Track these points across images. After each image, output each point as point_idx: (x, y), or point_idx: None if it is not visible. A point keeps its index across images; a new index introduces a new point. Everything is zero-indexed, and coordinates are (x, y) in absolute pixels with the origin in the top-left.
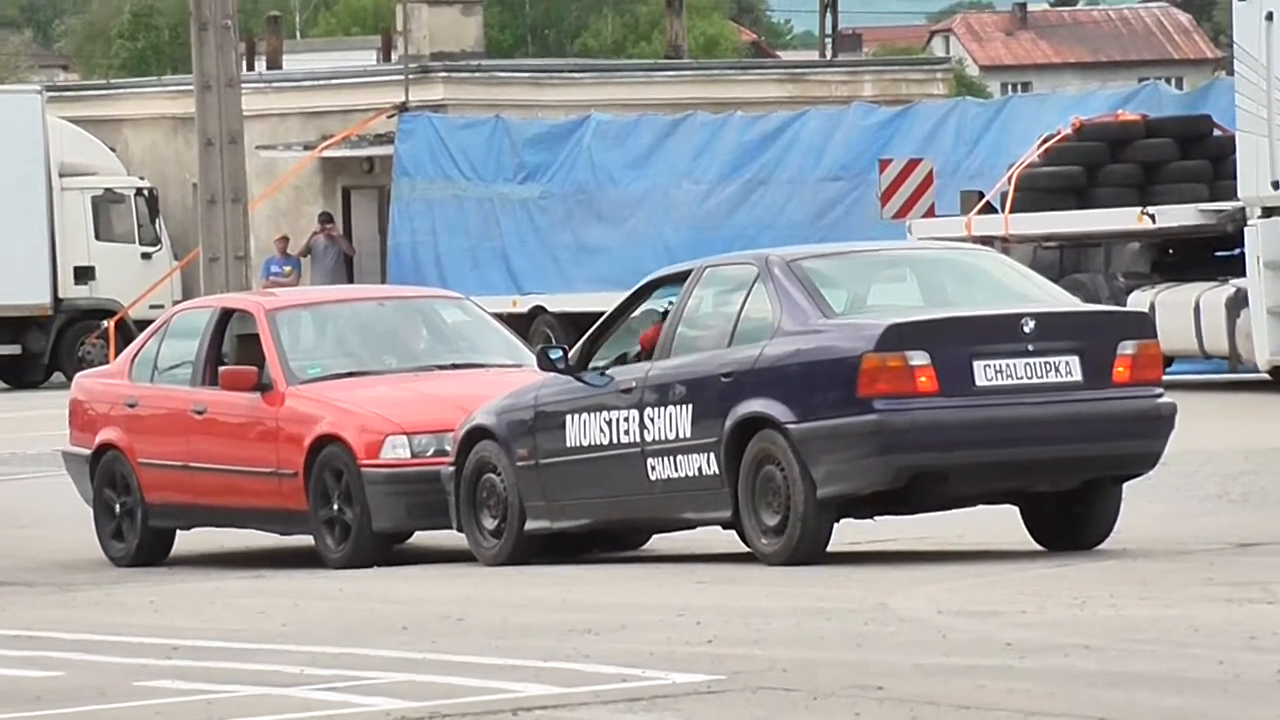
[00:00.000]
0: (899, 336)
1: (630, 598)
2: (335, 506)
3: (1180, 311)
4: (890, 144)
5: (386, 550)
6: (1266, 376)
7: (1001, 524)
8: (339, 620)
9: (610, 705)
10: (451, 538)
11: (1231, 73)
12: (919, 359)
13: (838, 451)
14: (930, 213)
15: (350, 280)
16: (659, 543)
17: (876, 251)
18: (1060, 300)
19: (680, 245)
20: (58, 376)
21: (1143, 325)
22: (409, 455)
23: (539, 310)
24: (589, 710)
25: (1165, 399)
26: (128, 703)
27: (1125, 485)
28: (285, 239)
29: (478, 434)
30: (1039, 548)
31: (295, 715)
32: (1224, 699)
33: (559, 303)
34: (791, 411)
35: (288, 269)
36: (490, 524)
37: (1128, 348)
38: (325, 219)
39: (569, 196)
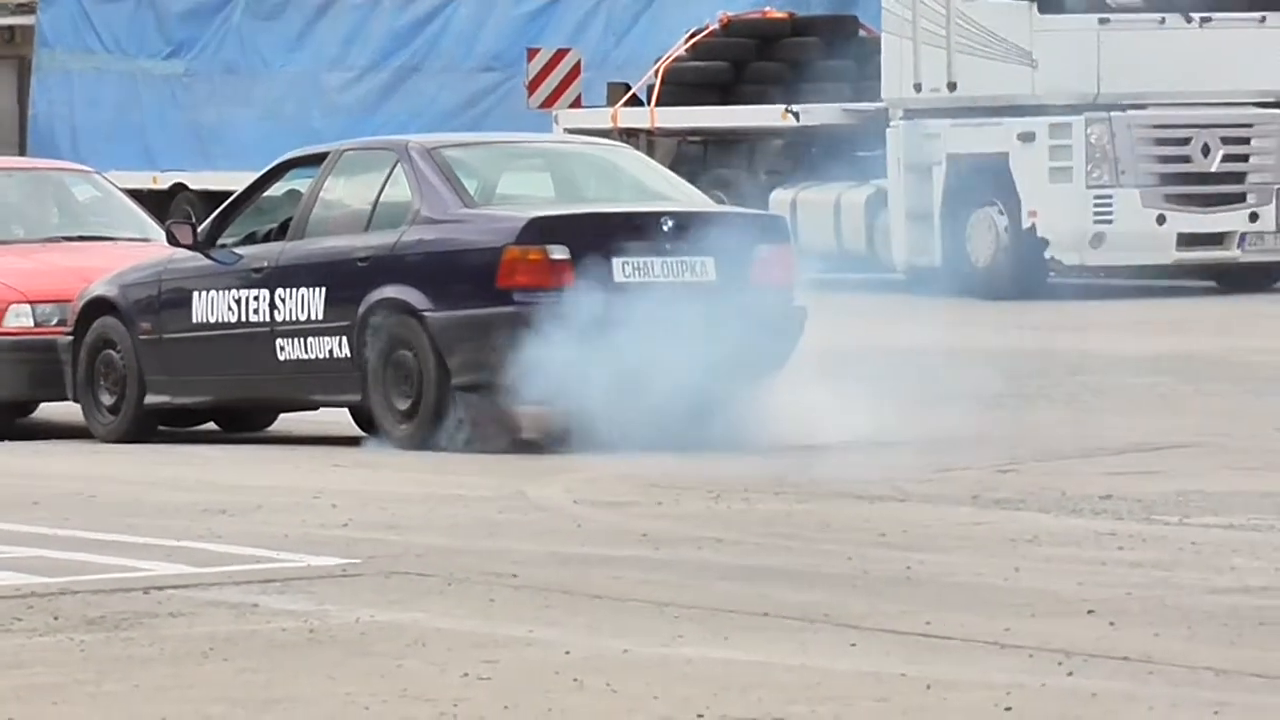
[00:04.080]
0: (540, 230)
1: (266, 480)
2: None
3: (820, 210)
4: (542, 34)
5: (9, 423)
6: (902, 277)
7: None
8: None
9: (243, 586)
10: (77, 414)
11: None
12: (559, 253)
13: (474, 340)
14: (577, 103)
15: None
16: (289, 423)
17: (518, 144)
18: (697, 201)
19: (328, 131)
20: None
21: (779, 228)
22: (32, 324)
23: (180, 187)
24: (221, 590)
25: (798, 303)
26: None
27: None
28: None
29: (98, 306)
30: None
31: None
32: (853, 593)
33: (201, 180)
34: (428, 299)
35: None
36: (108, 400)
37: (763, 251)
38: None
39: (215, 75)
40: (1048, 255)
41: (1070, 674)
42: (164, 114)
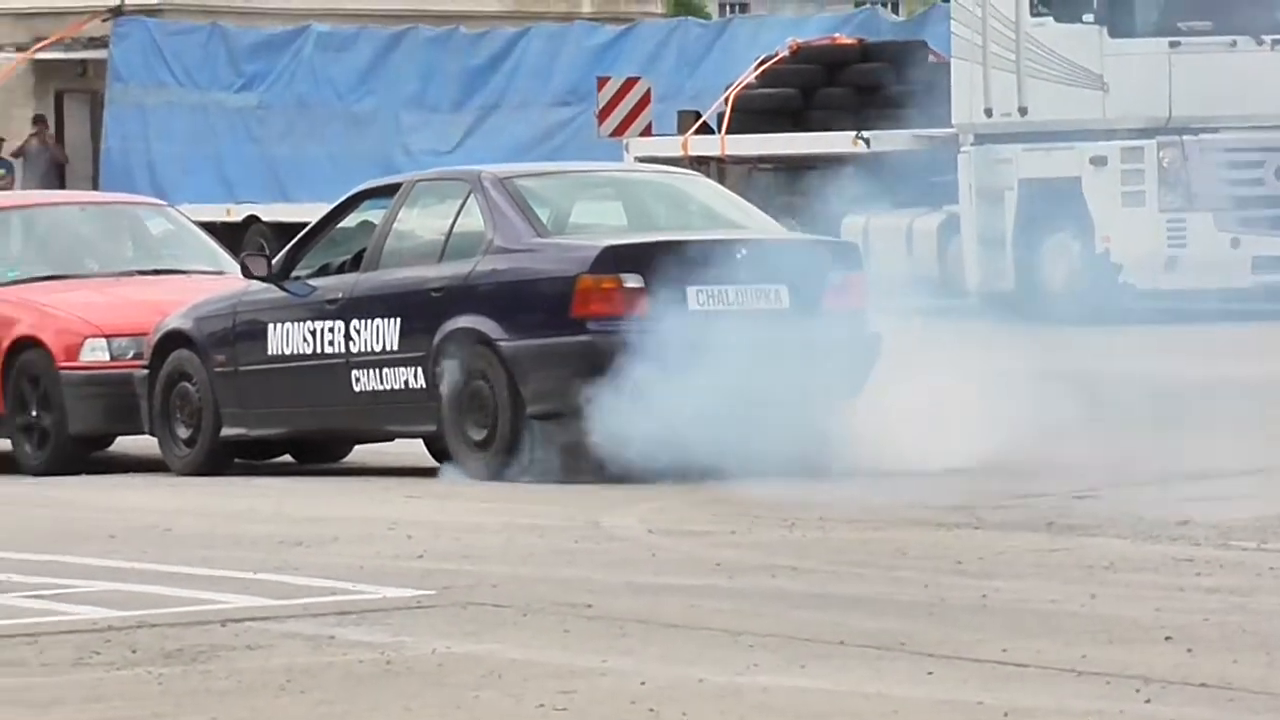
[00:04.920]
0: (614, 259)
1: (341, 511)
2: (33, 412)
3: (893, 236)
4: (614, 65)
5: (85, 456)
6: (975, 303)
7: None
8: (45, 527)
9: (319, 618)
10: (154, 448)
11: (948, 0)
12: (633, 282)
13: (548, 369)
14: (648, 132)
15: (62, 186)
16: (364, 455)
17: (590, 173)
18: (769, 228)
19: (407, 168)
20: None
21: (851, 255)
22: (108, 358)
23: (253, 219)
24: (297, 623)
25: (872, 329)
26: None
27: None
28: None
29: (174, 339)
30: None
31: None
32: (929, 621)
33: (274, 212)
34: (502, 328)
35: (1, 171)
36: (184, 433)
37: (837, 277)
38: (39, 121)
39: (289, 109)
40: (1121, 280)
41: (1148, 701)
42: (239, 147)
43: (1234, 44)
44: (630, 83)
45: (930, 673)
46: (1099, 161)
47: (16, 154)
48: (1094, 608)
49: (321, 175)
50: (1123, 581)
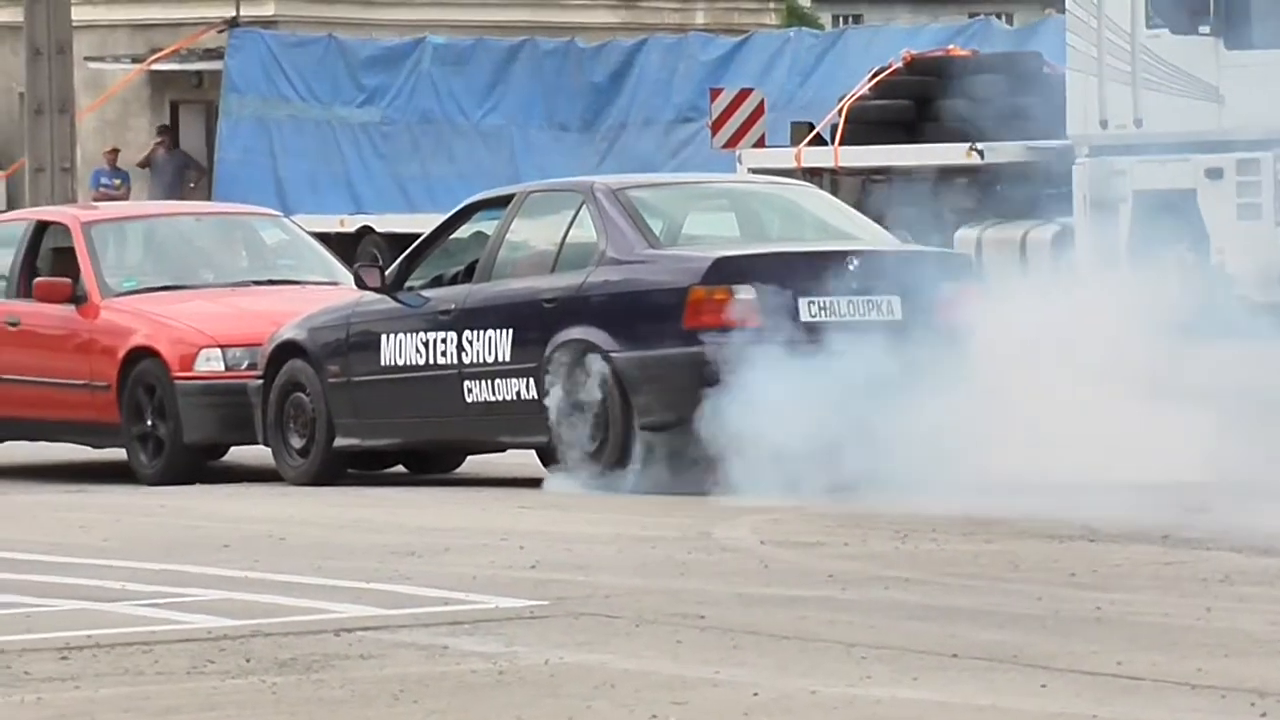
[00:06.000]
0: (726, 270)
1: (453, 521)
2: (148, 421)
3: (1006, 248)
4: (728, 77)
5: (199, 466)
6: None
7: None
8: (160, 536)
9: (432, 628)
10: (267, 457)
11: (1062, 10)
12: (745, 293)
13: (660, 380)
14: (761, 143)
15: (182, 196)
16: (476, 465)
17: (702, 184)
18: (882, 240)
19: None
20: None
21: (965, 267)
22: (223, 368)
23: (367, 230)
24: (410, 633)
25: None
26: None
27: None
28: (115, 151)
29: (288, 349)
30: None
31: (115, 630)
32: (1042, 633)
33: (387, 223)
34: (614, 339)
35: (117, 181)
36: (298, 443)
37: (950, 289)
38: (164, 131)
39: (413, 125)
40: (1237, 293)
41: (1264, 715)
42: (366, 163)
43: None
44: (744, 94)
45: (1044, 685)
46: (1214, 174)
47: (143, 164)
48: (1209, 621)
49: (452, 196)
50: (1238, 595)
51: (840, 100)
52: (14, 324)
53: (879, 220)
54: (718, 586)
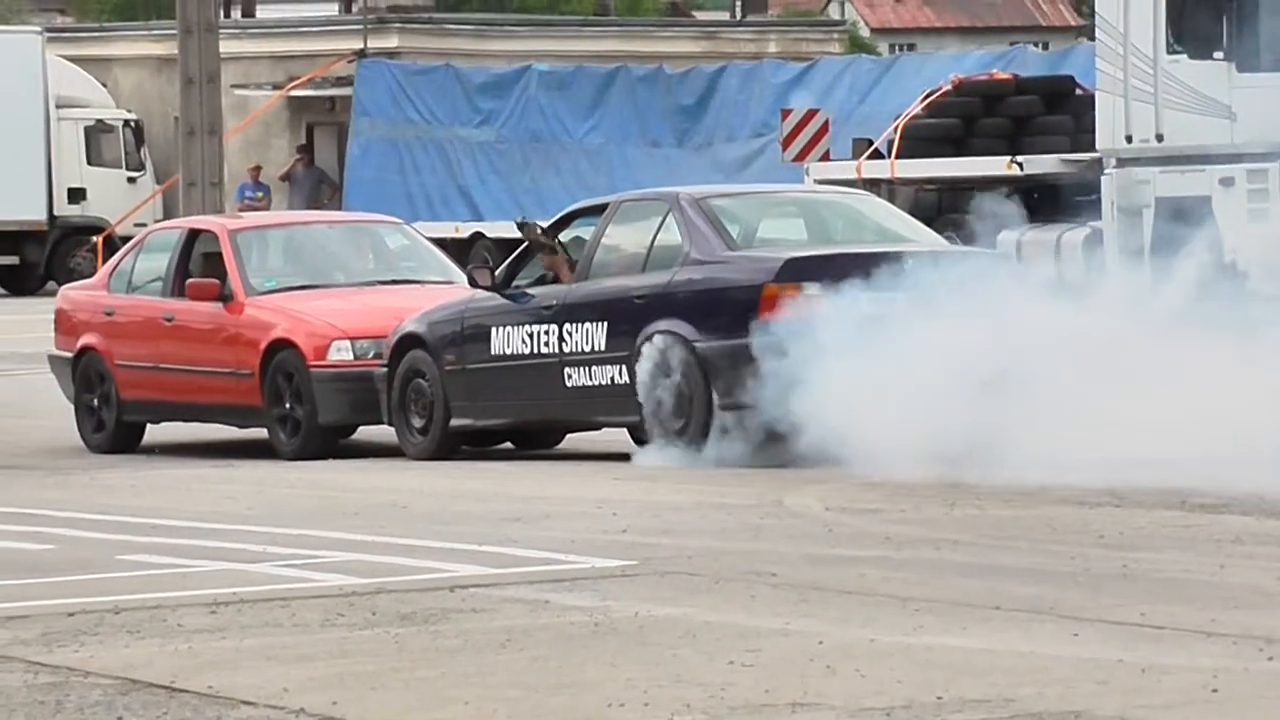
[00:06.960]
0: (796, 269)
1: (555, 491)
2: (287, 404)
3: (1043, 249)
4: (797, 97)
5: (333, 444)
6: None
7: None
8: (297, 505)
9: (536, 585)
10: (391, 436)
11: (1092, 38)
12: (813, 289)
13: (737, 366)
14: (826, 157)
15: (318, 206)
16: (575, 442)
17: (774, 193)
18: (934, 243)
19: None
20: (51, 284)
21: (1006, 267)
22: (352, 358)
23: (478, 236)
24: (517, 589)
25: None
26: (111, 574)
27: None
28: (258, 168)
29: (409, 341)
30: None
31: (257, 588)
32: (1075, 588)
33: (496, 229)
34: (697, 330)
35: (259, 194)
36: (418, 423)
37: (992, 286)
38: (303, 150)
39: (525, 143)
40: (1249, 287)
41: (1271, 659)
42: (483, 178)
43: None
44: (811, 114)
45: (1076, 634)
46: (1227, 182)
47: (283, 178)
48: (1223, 577)
49: (559, 205)
50: (1248, 554)
51: (896, 119)
52: (169, 320)
53: (930, 225)
54: (787, 548)
